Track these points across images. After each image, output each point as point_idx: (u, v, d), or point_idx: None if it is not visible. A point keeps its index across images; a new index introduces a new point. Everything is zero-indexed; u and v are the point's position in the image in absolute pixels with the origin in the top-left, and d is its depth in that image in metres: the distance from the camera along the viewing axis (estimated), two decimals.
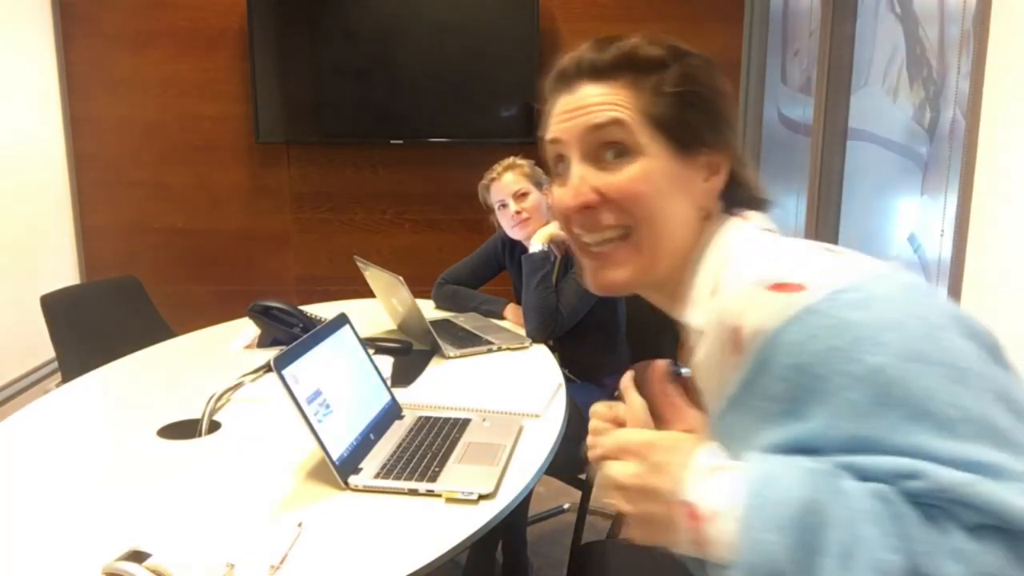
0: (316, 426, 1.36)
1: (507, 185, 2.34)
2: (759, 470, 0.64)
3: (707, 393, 0.78)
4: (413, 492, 1.35)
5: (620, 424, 0.84)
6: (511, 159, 2.39)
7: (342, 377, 1.53)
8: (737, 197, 0.82)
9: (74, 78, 3.72)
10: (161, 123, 3.75)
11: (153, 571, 1.01)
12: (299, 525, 1.23)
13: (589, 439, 0.83)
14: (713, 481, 0.66)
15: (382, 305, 2.38)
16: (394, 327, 2.37)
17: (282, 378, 1.33)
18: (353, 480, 1.37)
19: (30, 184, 3.49)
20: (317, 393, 1.41)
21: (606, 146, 0.79)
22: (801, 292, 0.66)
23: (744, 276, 0.70)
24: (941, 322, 0.64)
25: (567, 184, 0.82)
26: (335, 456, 1.38)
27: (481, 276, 2.61)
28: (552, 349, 2.23)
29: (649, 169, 0.77)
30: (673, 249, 0.79)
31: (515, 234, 2.39)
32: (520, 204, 2.34)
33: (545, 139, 0.86)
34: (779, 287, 0.67)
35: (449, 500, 1.33)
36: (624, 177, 0.78)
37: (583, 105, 0.80)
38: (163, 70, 3.71)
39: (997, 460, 0.58)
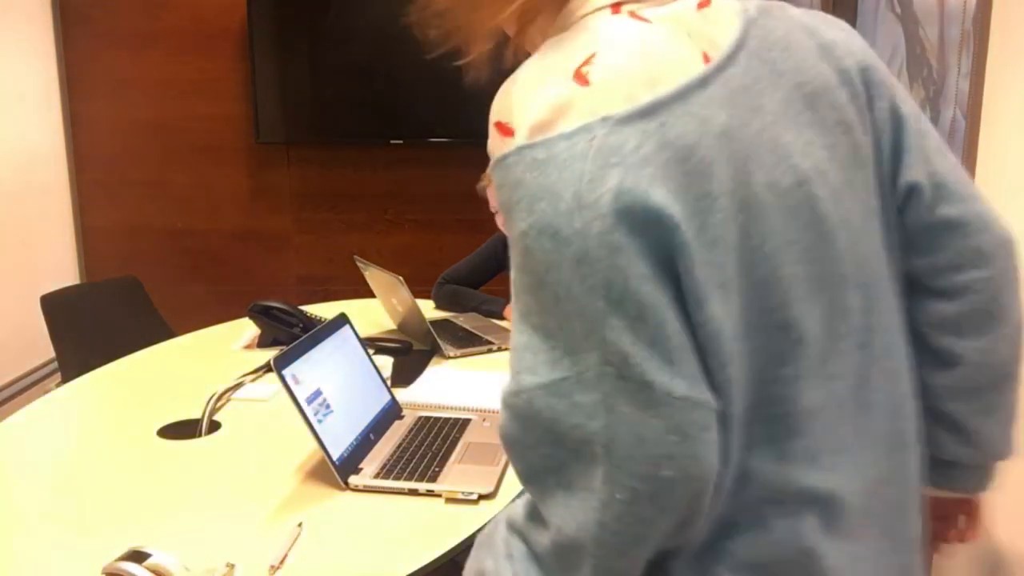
0: (316, 426, 1.36)
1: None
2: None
3: None
4: (413, 492, 1.35)
5: None
6: None
7: (342, 377, 1.53)
8: None
9: (74, 78, 3.72)
10: (161, 123, 3.75)
11: (153, 571, 1.01)
12: (299, 525, 1.23)
13: None
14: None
15: (382, 305, 2.38)
16: (394, 327, 2.37)
17: (282, 378, 1.34)
18: (353, 480, 1.37)
19: (30, 184, 3.49)
20: (317, 393, 1.42)
21: None
22: (507, 139, 0.67)
23: (497, 99, 0.71)
24: (598, 204, 0.60)
25: None
26: (335, 456, 1.38)
27: (481, 276, 2.61)
28: None
29: None
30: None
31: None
32: None
33: None
34: (499, 126, 0.69)
35: (449, 500, 1.33)
36: None
37: None
38: (163, 70, 3.71)
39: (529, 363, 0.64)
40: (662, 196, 0.61)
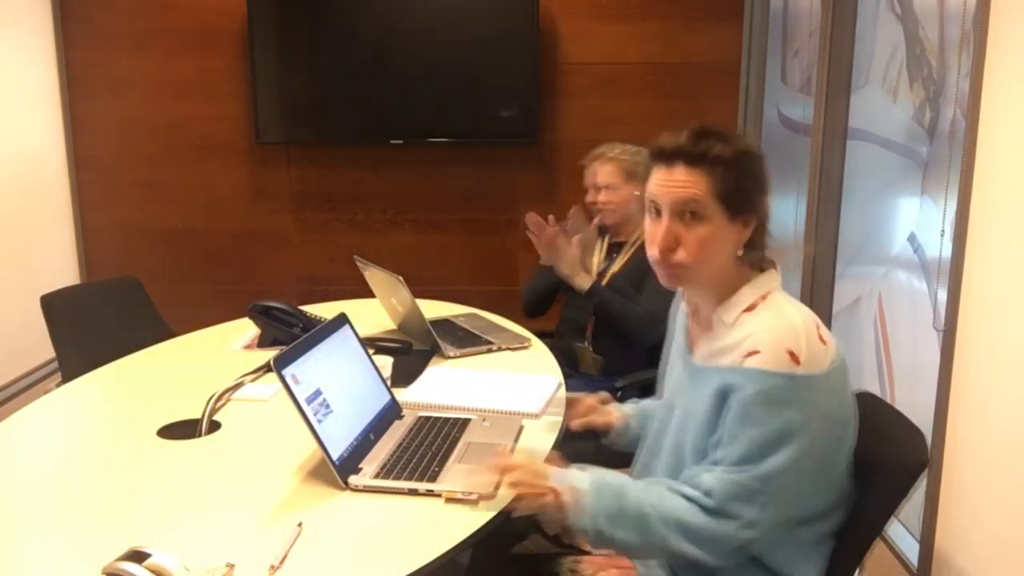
0: (316, 426, 1.36)
1: (599, 175, 2.52)
2: (590, 477, 1.28)
3: (694, 351, 1.37)
4: (413, 492, 1.35)
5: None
6: (618, 148, 2.52)
7: (342, 377, 1.53)
8: (754, 243, 1.31)
9: (74, 78, 3.72)
10: (161, 123, 3.75)
11: (153, 571, 1.01)
12: (299, 525, 1.23)
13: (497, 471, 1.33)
14: (567, 477, 1.28)
15: (382, 305, 2.38)
16: (394, 327, 2.37)
17: (282, 378, 1.33)
18: (353, 480, 1.37)
19: (30, 184, 3.49)
20: (317, 393, 1.41)
21: (686, 210, 1.27)
22: (794, 365, 1.19)
23: (781, 330, 1.22)
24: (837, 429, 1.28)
25: (659, 226, 1.30)
26: (335, 456, 1.37)
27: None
28: (590, 345, 2.30)
29: (711, 229, 1.27)
30: (713, 271, 1.31)
31: (600, 219, 2.55)
32: (605, 196, 2.50)
33: (645, 191, 1.33)
34: (791, 354, 1.19)
35: (449, 500, 1.33)
36: (695, 234, 1.28)
37: (676, 180, 1.28)
38: (163, 70, 3.71)
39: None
40: None
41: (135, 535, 1.20)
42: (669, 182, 1.28)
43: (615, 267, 2.52)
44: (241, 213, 3.83)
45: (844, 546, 1.32)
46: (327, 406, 1.42)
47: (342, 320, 1.66)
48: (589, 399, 1.65)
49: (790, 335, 1.20)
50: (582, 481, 1.27)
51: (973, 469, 1.76)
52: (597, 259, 2.60)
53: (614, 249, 2.58)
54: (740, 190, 1.27)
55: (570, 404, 1.65)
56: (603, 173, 2.52)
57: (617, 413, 1.63)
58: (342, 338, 1.62)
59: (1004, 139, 1.69)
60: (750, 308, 1.28)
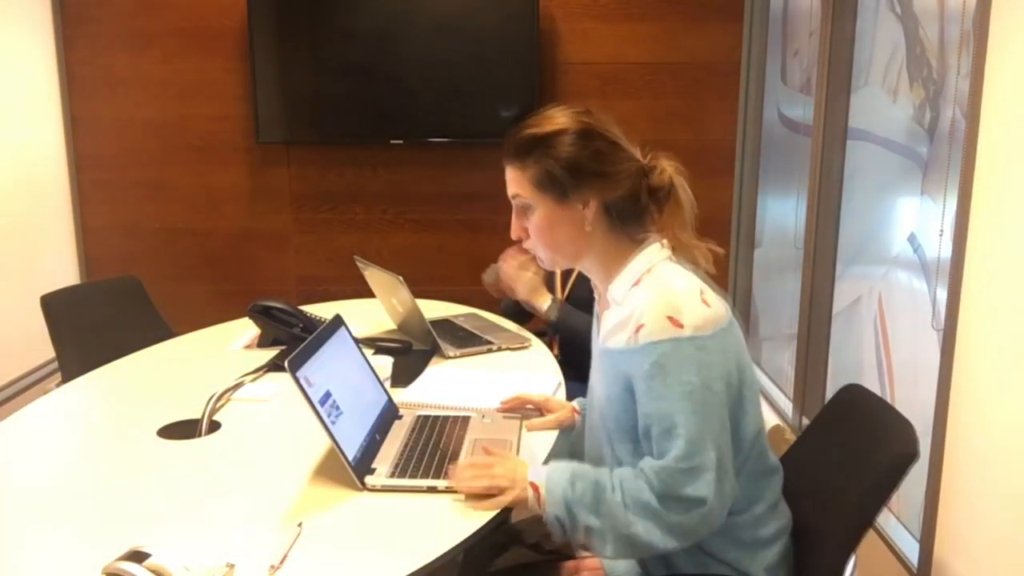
0: (331, 428, 1.35)
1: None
2: (558, 468, 1.30)
3: (600, 333, 1.38)
4: (432, 490, 1.35)
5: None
6: None
7: (346, 378, 1.53)
8: (623, 215, 1.34)
9: (74, 78, 3.72)
10: (161, 123, 3.75)
11: (153, 571, 1.01)
12: (299, 525, 1.23)
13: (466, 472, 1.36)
14: (540, 472, 1.31)
15: (382, 305, 2.38)
16: (394, 327, 2.37)
17: (297, 380, 1.32)
18: (370, 480, 1.36)
19: (30, 184, 3.49)
20: (328, 395, 1.41)
21: (517, 205, 1.38)
22: (677, 328, 1.21)
23: (660, 298, 1.24)
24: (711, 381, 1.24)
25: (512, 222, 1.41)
26: (350, 457, 1.37)
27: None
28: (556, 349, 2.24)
29: (541, 216, 1.35)
30: (570, 252, 1.37)
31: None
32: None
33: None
34: (671, 319, 1.22)
35: (469, 496, 1.33)
36: (531, 224, 1.37)
37: (506, 178, 1.37)
38: (163, 70, 3.71)
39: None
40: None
41: (135, 535, 1.20)
42: (506, 181, 1.38)
43: (570, 281, 2.42)
44: (241, 213, 3.83)
45: (833, 540, 1.32)
46: (337, 407, 1.42)
47: (339, 321, 1.66)
48: (531, 396, 1.70)
49: (669, 302, 1.22)
50: (554, 471, 1.30)
51: (973, 469, 1.76)
52: (559, 283, 2.48)
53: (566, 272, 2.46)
54: (551, 174, 1.31)
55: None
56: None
57: (573, 408, 1.66)
58: (341, 339, 1.62)
59: (1004, 139, 1.69)
60: (636, 283, 1.30)
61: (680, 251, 1.35)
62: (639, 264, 1.32)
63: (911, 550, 2.02)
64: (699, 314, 1.23)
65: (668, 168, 1.34)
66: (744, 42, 3.62)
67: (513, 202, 1.38)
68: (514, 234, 1.40)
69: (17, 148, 3.40)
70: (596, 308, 1.48)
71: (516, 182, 1.35)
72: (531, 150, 1.32)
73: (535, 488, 1.29)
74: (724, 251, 1.37)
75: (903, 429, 1.34)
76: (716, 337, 1.23)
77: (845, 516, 1.32)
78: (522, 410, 1.69)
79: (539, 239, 1.37)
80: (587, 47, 3.64)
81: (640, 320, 1.23)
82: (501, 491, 1.30)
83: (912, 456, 1.28)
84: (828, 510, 1.36)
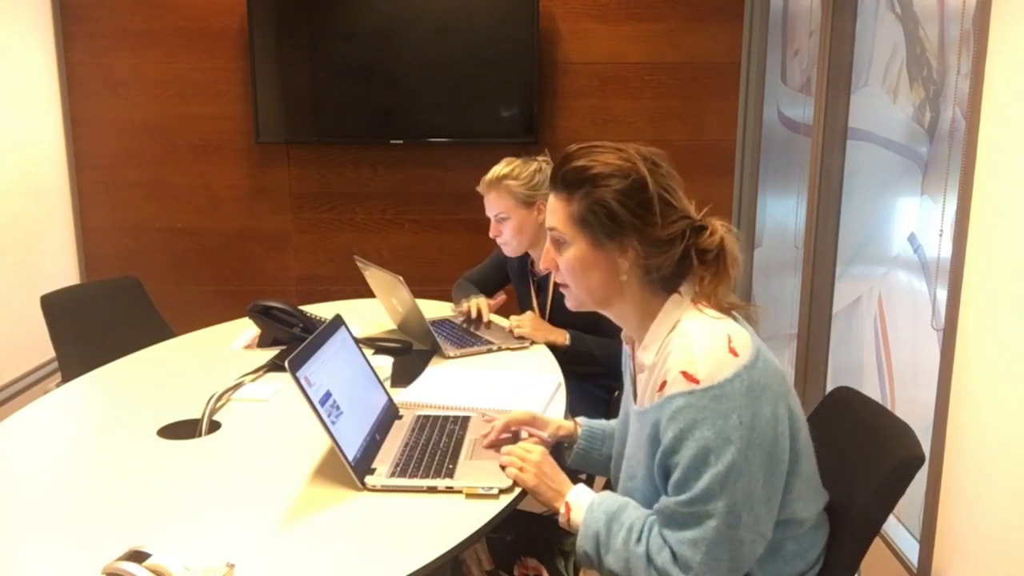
0: (331, 428, 1.35)
1: (489, 205, 2.32)
2: (597, 507, 1.27)
3: (639, 396, 1.31)
4: (432, 490, 1.35)
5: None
6: (502, 169, 2.28)
7: (346, 378, 1.53)
8: (660, 268, 1.25)
9: (74, 78, 3.72)
10: (161, 123, 3.75)
11: (153, 571, 1.01)
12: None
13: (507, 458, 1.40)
14: (577, 494, 1.31)
15: (382, 305, 2.38)
16: (394, 327, 2.37)
17: (297, 380, 1.32)
18: (370, 480, 1.36)
19: (30, 184, 3.49)
20: (328, 395, 1.41)
21: (554, 237, 1.32)
22: (692, 384, 1.15)
23: (679, 355, 1.18)
24: (741, 436, 1.15)
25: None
26: (350, 457, 1.37)
27: (492, 283, 2.61)
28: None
29: (575, 254, 1.29)
30: (600, 296, 1.31)
31: (504, 249, 2.38)
32: (498, 228, 2.31)
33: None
34: (686, 375, 1.16)
35: (470, 496, 1.34)
36: (562, 259, 1.31)
37: (549, 206, 1.32)
38: (163, 70, 3.71)
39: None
40: None
41: (135, 535, 1.20)
42: (548, 209, 1.33)
43: (549, 302, 2.34)
44: (241, 213, 3.83)
45: (840, 547, 1.32)
46: (338, 407, 1.42)
47: (339, 321, 1.66)
48: (517, 416, 1.56)
49: (685, 357, 1.17)
50: (585, 506, 1.28)
51: (973, 469, 1.76)
52: (536, 302, 2.40)
53: (543, 284, 2.38)
54: (592, 216, 1.25)
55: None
56: (491, 203, 2.30)
57: (569, 427, 1.57)
58: (341, 339, 1.62)
59: (1004, 139, 1.69)
60: (662, 346, 1.23)
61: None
62: (664, 323, 1.25)
63: (911, 550, 2.02)
64: (718, 362, 1.15)
65: (720, 229, 1.25)
66: (744, 42, 3.62)
67: (549, 233, 1.32)
68: (544, 264, 1.34)
69: (17, 148, 3.40)
70: (628, 363, 1.41)
71: (555, 213, 1.29)
72: (578, 185, 1.26)
73: (568, 508, 1.29)
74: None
75: (903, 433, 1.33)
76: (735, 381, 1.15)
77: (852, 525, 1.31)
78: (510, 433, 1.56)
79: (570, 277, 1.31)
80: (587, 47, 3.64)
81: (662, 379, 1.19)
82: (535, 487, 1.33)
83: (918, 460, 1.27)
84: (834, 519, 1.34)
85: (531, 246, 2.33)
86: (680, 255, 1.24)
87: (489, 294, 2.55)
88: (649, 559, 1.19)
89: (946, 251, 1.97)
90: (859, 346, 2.55)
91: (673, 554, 1.17)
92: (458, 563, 1.47)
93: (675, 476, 1.17)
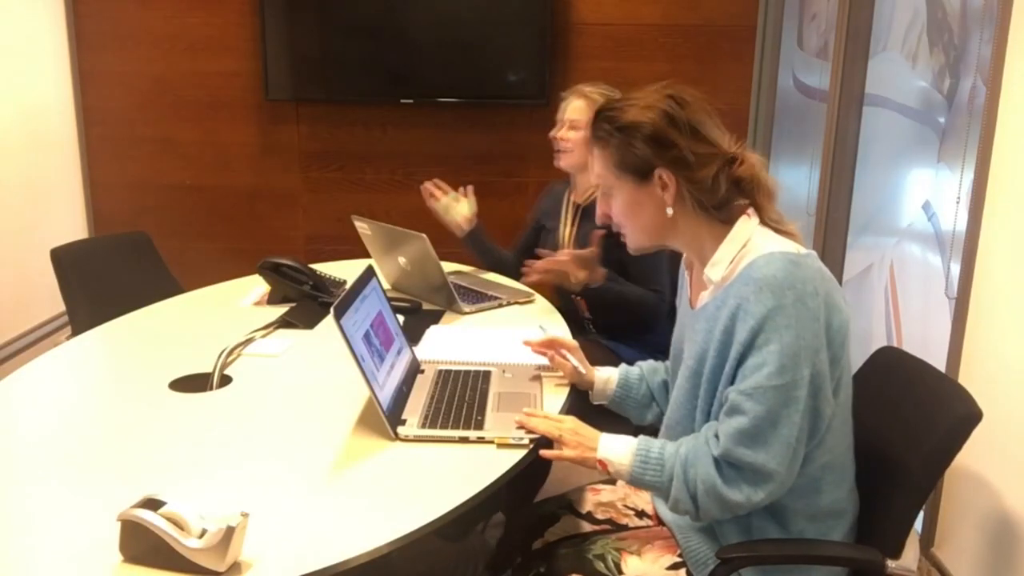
0: (369, 377, 1.37)
1: (571, 109, 2.32)
2: (629, 454, 1.30)
3: (694, 303, 1.39)
4: (464, 440, 1.37)
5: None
6: (600, 87, 2.33)
7: (377, 330, 1.54)
8: (707, 193, 1.31)
9: (83, 32, 3.68)
10: (170, 78, 3.72)
11: (168, 519, 1.02)
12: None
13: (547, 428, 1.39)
14: (613, 450, 1.32)
15: (376, 264, 2.36)
16: (387, 286, 2.37)
17: (341, 328, 1.33)
18: (402, 431, 1.39)
19: (39, 138, 3.48)
20: (363, 344, 1.42)
21: (603, 188, 1.40)
22: (778, 293, 1.21)
23: (756, 264, 1.24)
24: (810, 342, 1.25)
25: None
26: (384, 407, 1.39)
27: (531, 245, 2.52)
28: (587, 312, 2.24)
29: (624, 198, 1.36)
30: (655, 235, 1.37)
31: (556, 159, 2.36)
32: (567, 133, 2.32)
33: None
34: (771, 285, 1.21)
35: (501, 445, 1.36)
36: (615, 206, 1.38)
37: (593, 162, 1.40)
38: (172, 24, 3.67)
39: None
40: None
41: (148, 484, 1.21)
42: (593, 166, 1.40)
43: (574, 234, 2.35)
44: (250, 170, 3.82)
45: (895, 503, 1.31)
46: (376, 357, 1.44)
47: (371, 272, 1.65)
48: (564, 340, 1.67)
49: (763, 263, 1.23)
50: (625, 456, 1.30)
51: (982, 439, 1.76)
52: (568, 231, 2.41)
53: (580, 214, 2.38)
54: (629, 156, 1.32)
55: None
56: (573, 109, 2.32)
57: (599, 373, 1.64)
58: (372, 291, 1.62)
59: None
60: (733, 261, 1.29)
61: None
62: (734, 244, 1.30)
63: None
64: (796, 275, 1.21)
65: (754, 161, 1.32)
66: (760, 5, 3.56)
67: (599, 187, 1.40)
68: (600, 220, 1.41)
69: (26, 103, 3.38)
70: (684, 280, 1.48)
71: (599, 163, 1.37)
72: (612, 132, 1.33)
73: (603, 465, 1.31)
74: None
75: (957, 391, 1.33)
76: (814, 298, 1.22)
77: (909, 481, 1.30)
78: (555, 351, 1.65)
79: (624, 220, 1.38)
80: (601, 7, 3.59)
81: (743, 295, 1.23)
82: (565, 446, 1.34)
83: (976, 417, 1.26)
84: (889, 476, 1.34)
85: (580, 170, 2.33)
86: (719, 184, 1.30)
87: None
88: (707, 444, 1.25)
89: (961, 219, 1.95)
90: (868, 314, 2.55)
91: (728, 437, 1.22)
92: None
93: (750, 360, 1.22)
